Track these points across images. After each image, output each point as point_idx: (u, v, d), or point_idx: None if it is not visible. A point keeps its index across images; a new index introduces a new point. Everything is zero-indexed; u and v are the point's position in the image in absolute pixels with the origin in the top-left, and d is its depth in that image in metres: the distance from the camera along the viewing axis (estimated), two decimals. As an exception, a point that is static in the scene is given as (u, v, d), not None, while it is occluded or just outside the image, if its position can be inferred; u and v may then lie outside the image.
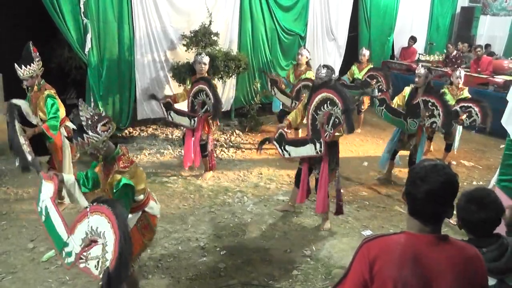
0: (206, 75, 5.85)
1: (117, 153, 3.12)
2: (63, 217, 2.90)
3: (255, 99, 8.45)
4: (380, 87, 7.55)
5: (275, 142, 4.77)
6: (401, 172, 6.51)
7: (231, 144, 7.47)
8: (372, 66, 8.09)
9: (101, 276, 2.48)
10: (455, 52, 10.75)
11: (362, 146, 7.91)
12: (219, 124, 6.20)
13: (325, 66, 4.64)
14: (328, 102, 4.34)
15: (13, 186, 5.53)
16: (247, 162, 6.76)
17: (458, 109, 6.29)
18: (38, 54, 4.72)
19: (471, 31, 12.92)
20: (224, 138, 7.68)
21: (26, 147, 4.38)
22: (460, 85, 6.67)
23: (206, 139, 5.89)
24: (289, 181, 6.02)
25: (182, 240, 4.55)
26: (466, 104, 6.28)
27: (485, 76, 9.49)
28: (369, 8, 10.41)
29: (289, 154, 4.73)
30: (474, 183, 6.38)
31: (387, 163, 6.25)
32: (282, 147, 4.72)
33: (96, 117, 3.05)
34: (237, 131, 8.04)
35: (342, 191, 5.44)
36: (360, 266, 1.73)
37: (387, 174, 6.36)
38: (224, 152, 7.07)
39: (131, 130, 7.60)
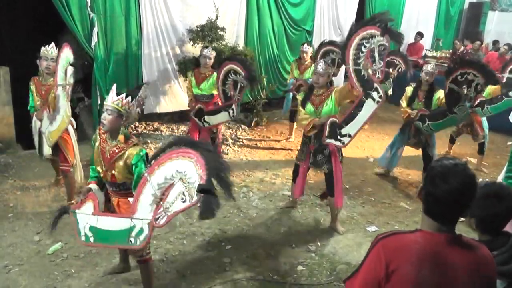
0: (211, 69, 5.82)
1: (126, 134, 3.21)
2: (114, 213, 3.09)
3: (261, 94, 8.44)
4: (400, 69, 7.12)
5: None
6: (408, 169, 6.49)
7: (237, 139, 7.46)
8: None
9: (197, 195, 2.62)
10: (462, 48, 10.66)
11: (368, 142, 7.88)
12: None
13: (324, 62, 4.54)
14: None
15: (20, 179, 5.56)
16: (252, 157, 6.76)
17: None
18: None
19: (479, 27, 12.82)
20: (230, 133, 7.68)
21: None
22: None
23: (217, 131, 5.90)
24: (294, 177, 6.01)
25: (187, 234, 4.56)
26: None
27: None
28: (374, 3, 10.33)
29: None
30: (480, 179, 6.32)
31: (391, 162, 6.21)
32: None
33: (141, 102, 3.28)
34: (243, 126, 8.03)
35: (347, 186, 5.44)
36: (375, 264, 1.71)
37: (386, 169, 6.35)
38: (230, 147, 7.07)
39: (136, 124, 7.61)
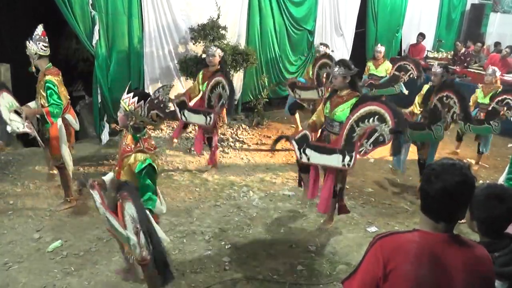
0: (219, 67, 5.75)
1: (143, 135, 3.17)
2: (116, 216, 3.00)
3: (262, 93, 8.44)
4: (411, 75, 7.47)
5: (294, 142, 4.31)
6: (409, 170, 6.47)
7: (238, 138, 7.46)
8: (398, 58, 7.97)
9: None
10: (463, 50, 10.64)
11: (369, 142, 7.86)
12: (226, 121, 6.17)
13: (340, 63, 4.38)
14: (376, 117, 3.95)
15: (20, 176, 5.56)
16: (253, 156, 6.75)
17: (495, 105, 6.19)
18: (38, 36, 4.44)
19: (480, 28, 12.80)
20: (231, 132, 7.67)
21: (16, 122, 4.38)
22: (494, 82, 6.58)
23: (211, 133, 5.86)
24: (294, 176, 5.99)
25: (187, 233, 4.56)
26: (500, 98, 6.20)
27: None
28: (377, 4, 10.32)
29: (308, 159, 4.27)
30: (481, 182, 6.32)
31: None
32: (302, 149, 4.26)
33: (160, 104, 3.15)
34: (243, 126, 8.03)
35: (347, 187, 5.41)
36: (373, 264, 1.71)
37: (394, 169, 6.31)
38: (231, 147, 7.06)
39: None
